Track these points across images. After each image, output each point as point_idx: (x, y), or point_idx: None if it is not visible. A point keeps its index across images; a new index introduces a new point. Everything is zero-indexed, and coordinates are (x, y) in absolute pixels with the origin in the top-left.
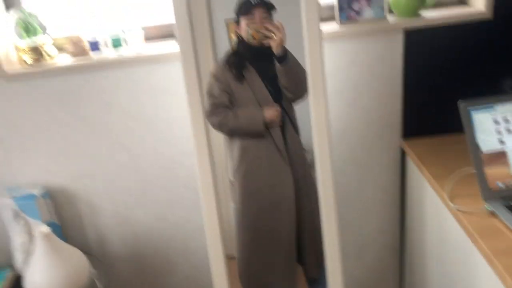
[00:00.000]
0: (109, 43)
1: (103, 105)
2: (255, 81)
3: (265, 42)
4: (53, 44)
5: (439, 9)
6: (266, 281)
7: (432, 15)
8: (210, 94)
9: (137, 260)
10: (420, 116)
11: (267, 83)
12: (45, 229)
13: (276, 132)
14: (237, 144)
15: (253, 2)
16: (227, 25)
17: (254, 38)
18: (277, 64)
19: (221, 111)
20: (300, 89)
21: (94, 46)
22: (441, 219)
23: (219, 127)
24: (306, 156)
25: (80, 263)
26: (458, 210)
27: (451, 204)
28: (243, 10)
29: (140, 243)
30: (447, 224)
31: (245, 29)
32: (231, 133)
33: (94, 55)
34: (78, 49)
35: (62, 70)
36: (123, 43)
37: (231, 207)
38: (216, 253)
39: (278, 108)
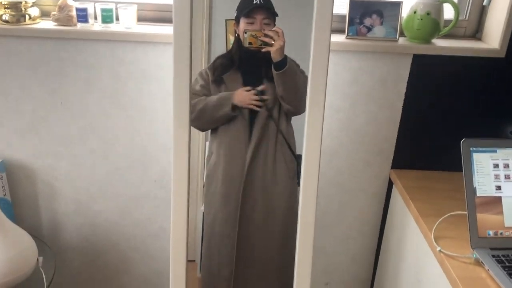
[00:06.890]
0: (99, 16)
1: (81, 82)
2: (235, 88)
3: (264, 50)
4: (38, 5)
5: (451, 40)
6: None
7: (444, 44)
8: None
9: (90, 254)
10: (413, 148)
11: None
12: None
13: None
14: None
15: (254, 2)
16: (227, 25)
17: (251, 44)
18: (274, 72)
19: (195, 98)
20: (299, 100)
21: (82, 16)
22: (422, 259)
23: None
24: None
25: (27, 247)
26: (442, 252)
27: (435, 245)
28: (244, 10)
29: (97, 237)
30: (428, 266)
31: (243, 33)
32: (200, 116)
33: (80, 26)
34: (64, 16)
35: (41, 33)
36: (114, 19)
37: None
38: (178, 258)
39: (253, 90)
